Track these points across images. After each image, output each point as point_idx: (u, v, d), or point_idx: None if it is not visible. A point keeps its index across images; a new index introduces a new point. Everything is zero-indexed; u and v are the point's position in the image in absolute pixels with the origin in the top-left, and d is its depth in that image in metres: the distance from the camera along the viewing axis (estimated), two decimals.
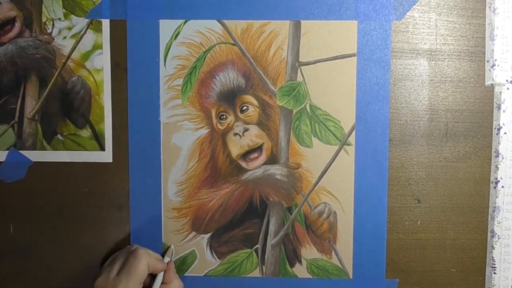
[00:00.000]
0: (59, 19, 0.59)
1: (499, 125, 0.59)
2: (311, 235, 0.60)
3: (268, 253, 0.61)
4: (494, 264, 0.59)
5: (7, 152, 0.60)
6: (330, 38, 0.59)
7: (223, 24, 0.59)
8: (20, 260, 0.60)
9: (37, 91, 0.60)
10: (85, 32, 0.59)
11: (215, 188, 0.60)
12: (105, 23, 0.59)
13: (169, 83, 0.59)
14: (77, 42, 0.59)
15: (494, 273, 0.59)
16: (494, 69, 0.58)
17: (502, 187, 0.59)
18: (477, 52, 0.59)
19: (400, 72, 0.59)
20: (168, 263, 0.58)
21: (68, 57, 0.59)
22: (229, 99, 0.60)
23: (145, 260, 0.55)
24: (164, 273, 0.57)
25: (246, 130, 0.60)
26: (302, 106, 0.59)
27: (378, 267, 0.60)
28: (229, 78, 0.59)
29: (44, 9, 0.59)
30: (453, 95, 0.59)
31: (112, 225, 0.60)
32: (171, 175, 0.60)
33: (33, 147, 0.60)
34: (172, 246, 0.60)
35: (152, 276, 0.57)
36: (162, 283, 0.57)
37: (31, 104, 0.60)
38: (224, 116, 0.60)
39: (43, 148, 0.60)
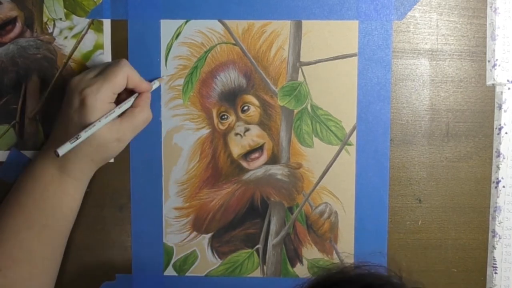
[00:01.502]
0: (60, 19, 0.59)
1: (500, 125, 0.59)
2: (312, 235, 0.60)
3: (269, 253, 0.61)
4: (495, 264, 0.59)
5: (8, 152, 0.60)
6: (331, 38, 0.59)
7: (224, 24, 0.59)
8: None
9: (38, 91, 0.60)
10: (86, 32, 0.59)
11: (216, 188, 0.60)
12: (106, 23, 0.59)
13: (170, 83, 0.59)
14: (78, 42, 0.59)
15: (495, 273, 0.59)
16: (495, 69, 0.58)
17: (503, 187, 0.59)
18: (478, 52, 0.59)
19: (401, 72, 0.59)
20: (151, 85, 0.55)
21: (69, 57, 0.59)
22: (230, 99, 0.60)
23: (125, 71, 0.53)
24: (138, 96, 0.54)
25: (247, 130, 0.60)
26: (303, 106, 0.59)
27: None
28: (230, 78, 0.59)
29: (45, 9, 0.59)
30: (454, 95, 0.59)
31: (113, 225, 0.60)
32: (172, 175, 0.60)
33: (34, 147, 0.60)
34: (165, 77, 0.58)
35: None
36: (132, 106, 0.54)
37: (32, 104, 0.60)
38: (225, 116, 0.60)
39: None
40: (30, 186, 0.52)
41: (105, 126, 0.51)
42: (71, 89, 0.53)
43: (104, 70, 0.53)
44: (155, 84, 0.57)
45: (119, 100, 0.54)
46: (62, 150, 0.49)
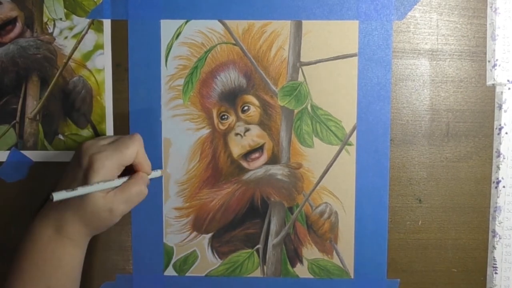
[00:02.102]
0: (60, 19, 0.59)
1: (500, 125, 0.59)
2: (312, 235, 0.60)
3: (269, 253, 0.61)
4: (495, 264, 0.59)
5: (8, 152, 0.60)
6: (331, 38, 0.59)
7: (224, 24, 0.59)
8: None
9: (38, 91, 0.60)
10: (86, 32, 0.59)
11: (216, 188, 0.60)
12: (106, 23, 0.59)
13: (170, 83, 0.59)
14: (78, 42, 0.59)
15: (496, 273, 0.59)
16: (495, 69, 0.58)
17: (504, 187, 0.59)
18: (478, 52, 0.59)
19: (402, 72, 0.59)
20: (153, 171, 0.56)
21: (69, 57, 0.59)
22: (230, 99, 0.60)
23: (137, 146, 0.53)
24: (137, 172, 0.55)
25: (247, 130, 0.60)
26: (303, 106, 0.59)
27: (379, 267, 0.60)
28: (230, 78, 0.59)
29: (45, 9, 0.59)
30: (455, 95, 0.59)
31: (113, 225, 0.60)
32: (172, 175, 0.60)
33: (34, 147, 0.60)
34: (169, 171, 0.59)
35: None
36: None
37: (32, 104, 0.60)
38: (225, 116, 0.60)
39: (45, 148, 0.60)
40: (29, 250, 0.53)
41: (100, 194, 0.51)
42: (82, 151, 0.53)
43: (117, 140, 0.54)
44: (157, 173, 0.58)
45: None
46: (57, 196, 0.49)
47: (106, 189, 0.52)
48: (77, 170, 0.53)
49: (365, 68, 0.59)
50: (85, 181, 0.51)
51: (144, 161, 0.55)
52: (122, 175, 0.54)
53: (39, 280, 0.52)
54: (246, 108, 0.60)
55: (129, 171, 0.54)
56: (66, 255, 0.53)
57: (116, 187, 0.53)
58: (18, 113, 0.60)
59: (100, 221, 0.53)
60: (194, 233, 0.61)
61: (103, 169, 0.51)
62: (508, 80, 0.58)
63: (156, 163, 0.60)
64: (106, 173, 0.52)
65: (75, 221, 0.52)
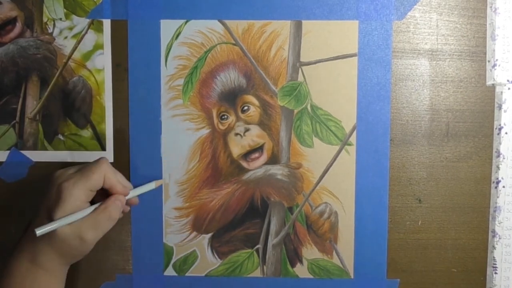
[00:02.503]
0: (60, 19, 0.59)
1: (500, 125, 0.59)
2: (312, 235, 0.60)
3: (269, 253, 0.61)
4: (495, 264, 0.59)
5: (8, 152, 0.60)
6: (331, 38, 0.59)
7: (224, 24, 0.59)
8: None
9: (38, 91, 0.60)
10: (86, 32, 0.59)
11: (216, 188, 0.60)
12: (106, 23, 0.59)
13: (170, 83, 0.59)
14: (78, 42, 0.59)
15: (495, 273, 0.59)
16: (495, 69, 0.58)
17: (503, 187, 0.59)
18: (478, 52, 0.59)
19: (401, 72, 0.59)
20: (131, 190, 0.56)
21: (69, 57, 0.60)
22: (230, 99, 0.60)
23: (103, 169, 0.53)
24: (110, 196, 0.54)
25: (247, 130, 0.60)
26: (303, 106, 0.59)
27: (379, 267, 0.60)
28: (230, 78, 0.59)
29: (45, 9, 0.59)
30: (454, 95, 0.59)
31: (112, 228, 0.60)
32: (172, 175, 0.60)
33: (34, 147, 0.60)
34: (167, 181, 0.59)
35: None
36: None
37: (32, 104, 0.60)
38: (225, 116, 0.60)
39: (44, 148, 0.60)
40: (8, 284, 0.53)
41: (69, 224, 0.51)
42: (51, 182, 0.53)
43: (84, 167, 0.54)
44: (150, 185, 0.57)
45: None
46: (40, 231, 0.50)
47: (81, 218, 0.52)
48: (47, 203, 0.53)
49: (365, 68, 0.59)
50: (56, 211, 0.51)
51: (115, 184, 0.54)
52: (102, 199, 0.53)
53: None
54: (246, 108, 0.60)
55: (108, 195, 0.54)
56: (43, 286, 0.53)
57: None
58: (18, 113, 0.60)
59: (72, 249, 0.52)
60: (194, 233, 0.61)
61: (71, 197, 0.51)
62: (508, 80, 0.58)
63: (156, 163, 0.60)
64: (75, 200, 0.51)
65: (48, 251, 0.52)
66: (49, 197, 0.53)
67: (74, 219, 0.51)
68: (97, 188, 0.53)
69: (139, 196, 0.58)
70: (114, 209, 0.53)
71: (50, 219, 0.51)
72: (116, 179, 0.54)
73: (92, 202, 0.53)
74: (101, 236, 0.53)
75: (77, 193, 0.52)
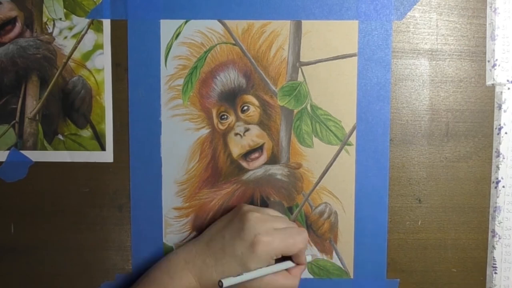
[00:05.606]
0: (60, 19, 0.59)
1: (500, 125, 0.59)
2: (312, 235, 0.60)
3: None
4: (495, 264, 0.59)
5: (8, 152, 0.60)
6: (331, 38, 0.59)
7: (224, 24, 0.59)
8: (21, 260, 0.60)
9: (38, 91, 0.60)
10: (86, 32, 0.59)
11: (216, 188, 0.60)
12: (106, 23, 0.59)
13: (170, 83, 0.59)
14: (78, 42, 0.59)
15: (495, 273, 0.59)
16: (495, 69, 0.58)
17: (503, 187, 0.59)
18: (478, 52, 0.59)
19: (401, 72, 0.59)
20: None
21: (69, 57, 0.59)
22: (230, 99, 0.60)
23: (304, 245, 0.54)
24: (297, 266, 0.55)
25: (247, 130, 0.60)
26: (303, 106, 0.59)
27: (379, 267, 0.60)
28: (230, 78, 0.59)
29: (45, 9, 0.59)
30: (454, 95, 0.59)
31: (112, 225, 0.60)
32: (172, 175, 0.60)
33: (34, 147, 0.60)
34: (310, 258, 0.59)
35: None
36: None
37: (31, 104, 0.60)
38: (225, 116, 0.60)
39: (44, 148, 0.60)
40: (164, 279, 0.54)
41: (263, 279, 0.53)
42: (248, 223, 0.53)
43: (286, 230, 0.53)
44: (308, 258, 0.58)
45: None
46: (226, 282, 0.51)
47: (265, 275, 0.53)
48: (237, 239, 0.52)
49: (364, 68, 0.59)
50: (243, 260, 0.52)
51: (303, 255, 0.55)
52: None
53: None
54: (245, 108, 0.60)
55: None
56: None
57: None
58: (18, 113, 0.60)
59: None
60: (194, 233, 0.61)
61: (266, 256, 0.52)
62: (507, 80, 0.58)
63: (156, 163, 0.60)
64: (267, 259, 0.52)
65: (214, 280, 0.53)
66: (238, 237, 0.53)
67: (261, 275, 0.52)
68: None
69: (139, 196, 0.58)
70: (297, 281, 0.55)
71: (235, 259, 0.52)
72: (305, 251, 0.55)
73: None
74: None
75: (272, 254, 0.52)
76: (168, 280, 0.53)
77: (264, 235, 0.52)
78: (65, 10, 0.59)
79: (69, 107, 0.60)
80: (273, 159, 0.60)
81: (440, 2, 0.58)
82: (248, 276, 0.52)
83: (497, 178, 0.59)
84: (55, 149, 0.60)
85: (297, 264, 0.56)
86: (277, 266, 0.54)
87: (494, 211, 0.59)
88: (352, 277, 0.60)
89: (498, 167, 0.59)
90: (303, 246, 0.54)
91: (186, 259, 0.54)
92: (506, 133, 0.59)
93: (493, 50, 0.58)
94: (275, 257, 0.53)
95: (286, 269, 0.55)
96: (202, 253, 0.54)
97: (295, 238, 0.53)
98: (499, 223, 0.59)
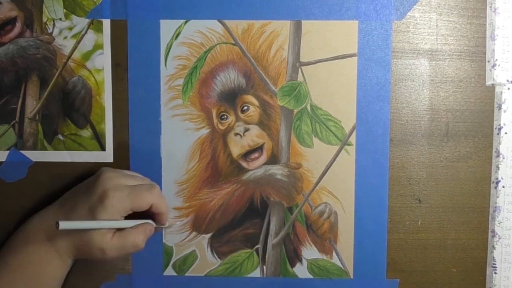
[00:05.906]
0: (60, 19, 0.59)
1: (499, 125, 0.59)
2: (312, 235, 0.60)
3: (269, 253, 0.61)
4: (495, 264, 0.59)
5: (7, 152, 0.60)
6: (331, 38, 0.59)
7: (223, 24, 0.59)
8: None
9: (38, 91, 0.60)
10: (85, 32, 0.59)
11: (215, 188, 0.60)
12: (106, 23, 0.59)
13: (170, 83, 0.59)
14: (78, 42, 0.59)
15: (495, 273, 0.59)
16: (495, 69, 0.58)
17: (503, 187, 0.59)
18: (478, 52, 0.59)
19: (401, 72, 0.59)
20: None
21: (69, 57, 0.60)
22: (229, 99, 0.60)
23: (153, 200, 0.53)
24: (144, 222, 0.54)
25: (246, 130, 0.60)
26: (303, 106, 0.59)
27: (379, 267, 0.60)
28: (229, 78, 0.59)
29: (44, 9, 0.59)
30: (454, 95, 0.59)
31: None
32: (171, 175, 0.60)
33: (34, 147, 0.60)
34: (177, 224, 0.59)
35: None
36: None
37: (31, 104, 0.60)
38: (225, 116, 0.60)
39: (44, 148, 0.60)
40: (20, 246, 0.54)
41: (100, 232, 0.52)
42: (100, 179, 0.53)
43: (136, 187, 0.53)
44: (171, 221, 0.58)
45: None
46: (63, 225, 0.49)
47: (108, 228, 0.52)
48: (87, 196, 0.53)
49: (364, 68, 0.59)
50: (91, 213, 0.52)
51: (162, 216, 0.55)
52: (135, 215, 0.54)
53: (19, 279, 0.53)
54: (245, 108, 0.60)
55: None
56: (51, 266, 0.53)
57: (118, 228, 0.53)
58: (18, 113, 0.60)
59: (90, 255, 0.53)
60: (194, 233, 0.61)
61: (112, 208, 0.51)
62: (507, 80, 0.58)
63: (156, 163, 0.60)
64: (114, 213, 0.52)
65: (68, 239, 0.53)
66: (89, 192, 0.53)
67: (103, 227, 0.52)
68: (140, 211, 0.53)
69: None
70: (142, 239, 0.53)
71: (82, 211, 0.52)
72: (161, 210, 0.54)
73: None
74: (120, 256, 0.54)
75: (120, 208, 0.52)
76: (22, 247, 0.53)
77: (112, 190, 0.52)
78: (65, 10, 0.59)
79: (69, 107, 0.60)
80: (273, 159, 0.60)
81: (440, 2, 0.58)
82: (85, 225, 0.50)
83: (497, 178, 0.59)
84: (55, 149, 0.60)
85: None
86: (121, 223, 0.53)
87: (494, 211, 0.59)
88: (352, 277, 0.60)
89: (498, 167, 0.59)
90: (152, 201, 0.53)
91: (41, 222, 0.54)
92: (506, 133, 0.59)
93: (493, 50, 0.58)
94: (124, 214, 0.52)
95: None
96: (56, 212, 0.54)
97: (143, 194, 0.53)
98: (499, 223, 0.59)
